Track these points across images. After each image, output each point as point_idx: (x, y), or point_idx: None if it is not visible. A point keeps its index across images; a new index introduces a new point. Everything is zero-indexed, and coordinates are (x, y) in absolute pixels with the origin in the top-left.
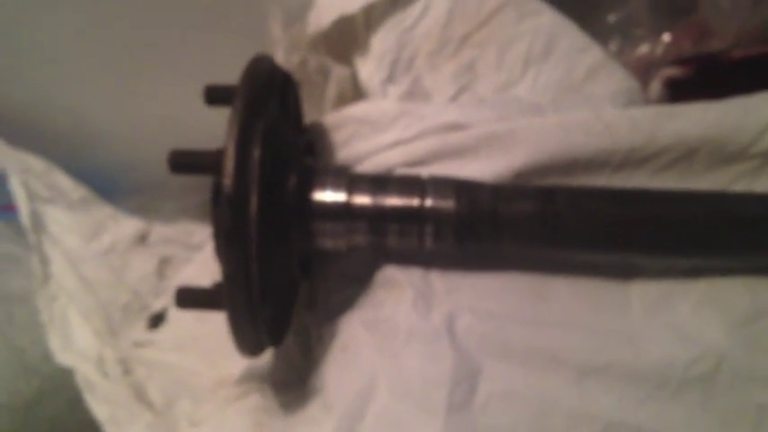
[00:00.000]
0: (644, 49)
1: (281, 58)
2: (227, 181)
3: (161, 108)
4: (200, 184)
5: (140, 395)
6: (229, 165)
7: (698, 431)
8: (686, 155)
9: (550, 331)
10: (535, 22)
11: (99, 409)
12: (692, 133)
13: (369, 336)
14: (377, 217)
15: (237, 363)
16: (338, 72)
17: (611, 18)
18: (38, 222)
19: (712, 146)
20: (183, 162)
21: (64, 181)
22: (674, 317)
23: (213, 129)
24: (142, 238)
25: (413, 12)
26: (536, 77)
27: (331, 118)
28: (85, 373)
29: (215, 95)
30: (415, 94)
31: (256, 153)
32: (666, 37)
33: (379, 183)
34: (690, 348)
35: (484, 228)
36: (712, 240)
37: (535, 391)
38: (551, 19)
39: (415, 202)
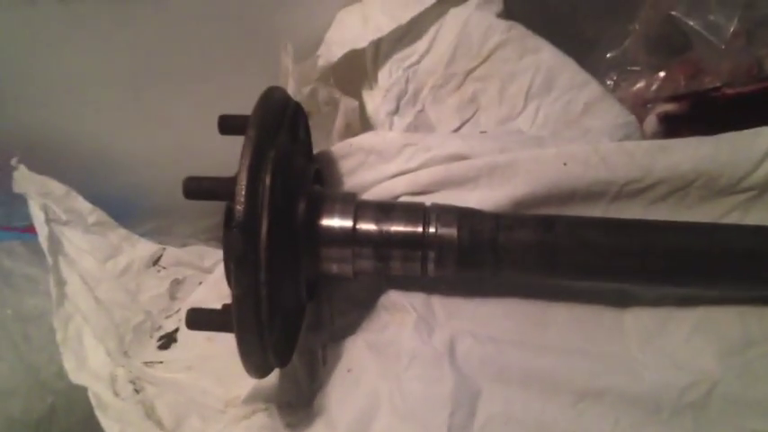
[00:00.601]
0: (640, 85)
1: (293, 89)
2: (239, 207)
3: (176, 136)
4: (212, 209)
5: (150, 413)
6: (241, 191)
7: None
8: (680, 187)
9: (549, 356)
10: (536, 58)
11: (109, 426)
12: (686, 167)
13: (372, 358)
14: (382, 243)
15: (246, 383)
16: (346, 104)
17: (609, 55)
18: (55, 244)
19: (706, 179)
20: (197, 188)
21: (82, 204)
22: (669, 344)
23: (226, 156)
24: (155, 261)
25: (419, 47)
26: (536, 111)
27: (339, 147)
28: (98, 392)
29: (228, 125)
30: (420, 125)
31: (267, 180)
32: (662, 74)
33: (385, 210)
34: (683, 375)
35: (484, 255)
36: (704, 271)
37: (533, 415)
38: (551, 55)
39: (418, 229)
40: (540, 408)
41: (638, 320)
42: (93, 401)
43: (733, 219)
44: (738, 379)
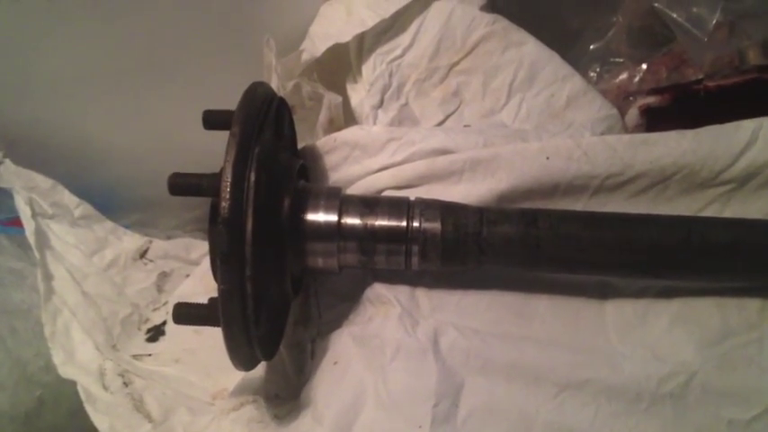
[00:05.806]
0: (622, 77)
1: (276, 84)
2: (224, 203)
3: (161, 130)
4: (196, 201)
5: (139, 406)
6: (226, 188)
7: None
8: (661, 180)
9: (531, 348)
10: (519, 52)
11: (99, 420)
12: (667, 160)
13: (358, 350)
14: (366, 237)
15: (233, 375)
16: (330, 98)
17: (592, 47)
18: (42, 238)
19: (686, 172)
20: (182, 184)
21: (68, 198)
22: (649, 335)
23: (210, 150)
24: (142, 254)
25: (402, 41)
26: (519, 105)
27: (324, 142)
28: (86, 386)
29: (213, 120)
30: (404, 119)
31: (252, 176)
32: (644, 66)
33: (369, 204)
34: (663, 365)
35: (468, 249)
36: (683, 263)
37: (515, 406)
38: (535, 48)
39: (402, 223)
40: (523, 399)
41: (618, 312)
42: (83, 395)
43: (712, 211)
44: (716, 369)
